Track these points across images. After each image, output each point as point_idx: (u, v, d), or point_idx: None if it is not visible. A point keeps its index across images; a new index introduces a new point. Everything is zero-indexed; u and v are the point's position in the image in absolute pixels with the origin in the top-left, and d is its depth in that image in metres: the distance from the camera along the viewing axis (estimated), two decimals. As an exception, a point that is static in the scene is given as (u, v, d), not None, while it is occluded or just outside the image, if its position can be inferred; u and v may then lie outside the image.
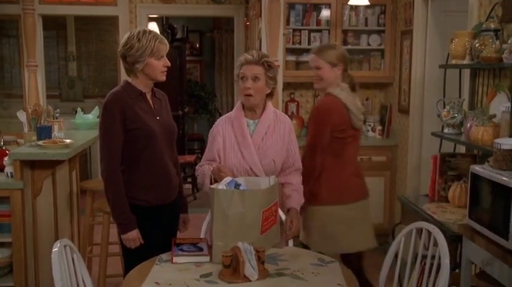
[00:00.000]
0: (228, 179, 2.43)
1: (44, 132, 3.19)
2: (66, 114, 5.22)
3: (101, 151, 2.34)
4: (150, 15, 5.94)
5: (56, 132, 3.36)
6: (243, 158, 2.45)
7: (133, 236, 2.34)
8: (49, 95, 6.45)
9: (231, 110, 2.59)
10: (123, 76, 5.68)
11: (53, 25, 7.13)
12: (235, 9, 5.80)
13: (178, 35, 8.07)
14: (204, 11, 5.85)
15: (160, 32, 6.82)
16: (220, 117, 2.59)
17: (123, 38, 2.44)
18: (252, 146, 2.45)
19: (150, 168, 2.39)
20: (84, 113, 4.11)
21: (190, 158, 6.58)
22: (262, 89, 2.46)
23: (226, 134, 2.48)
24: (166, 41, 2.43)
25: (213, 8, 5.77)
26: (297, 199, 2.57)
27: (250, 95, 2.45)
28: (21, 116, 3.80)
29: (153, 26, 6.61)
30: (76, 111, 7.46)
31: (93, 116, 4.05)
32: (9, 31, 7.67)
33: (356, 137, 2.82)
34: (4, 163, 3.03)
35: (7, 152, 3.22)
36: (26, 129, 3.79)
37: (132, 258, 2.30)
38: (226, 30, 8.66)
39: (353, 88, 2.80)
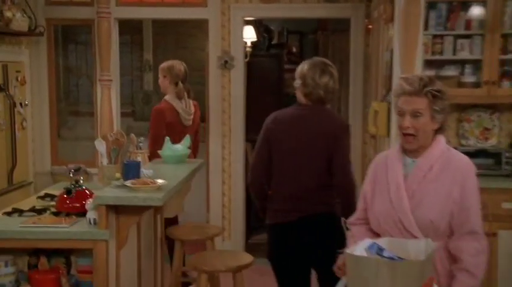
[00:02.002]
0: (367, 241, 2.40)
1: (132, 170, 3.27)
2: (140, 137, 5.38)
3: (348, 166, 3.19)
4: (246, 18, 6.03)
5: (143, 169, 3.44)
6: (391, 205, 2.43)
7: None
8: (121, 112, 6.72)
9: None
10: (213, 90, 5.86)
11: (127, 29, 7.42)
12: (353, 8, 5.73)
13: (275, 39, 8.16)
14: (313, 12, 5.84)
15: (257, 37, 7.01)
16: (378, 154, 2.66)
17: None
18: (403, 191, 2.42)
19: None
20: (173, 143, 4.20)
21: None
22: (425, 128, 2.42)
23: (379, 174, 2.52)
24: None
25: (324, 7, 5.75)
26: (466, 283, 2.38)
27: (409, 135, 2.42)
28: (100, 145, 3.95)
29: (249, 30, 6.69)
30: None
31: (183, 147, 4.13)
32: (78, 37, 8.14)
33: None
34: (86, 206, 3.14)
35: (87, 192, 3.36)
36: (104, 162, 3.94)
37: None
38: (334, 31, 8.57)
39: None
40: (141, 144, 4.02)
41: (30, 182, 5.61)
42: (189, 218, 6.27)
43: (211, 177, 6.04)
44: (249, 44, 6.71)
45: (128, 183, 3.16)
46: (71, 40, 8.01)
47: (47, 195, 3.75)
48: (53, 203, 3.49)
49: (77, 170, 3.44)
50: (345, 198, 3.14)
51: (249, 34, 6.67)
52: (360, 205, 2.64)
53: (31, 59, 5.77)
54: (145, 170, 3.45)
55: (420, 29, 4.08)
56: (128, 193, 3.07)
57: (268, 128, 3.25)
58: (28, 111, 5.58)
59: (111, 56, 5.82)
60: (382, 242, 2.36)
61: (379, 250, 2.33)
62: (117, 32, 6.02)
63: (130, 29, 7.64)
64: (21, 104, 5.31)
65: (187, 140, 4.18)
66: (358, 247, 2.37)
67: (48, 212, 3.35)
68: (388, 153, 2.59)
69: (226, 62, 5.87)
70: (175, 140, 4.26)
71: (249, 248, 5.98)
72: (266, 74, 7.28)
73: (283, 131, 3.21)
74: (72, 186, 3.34)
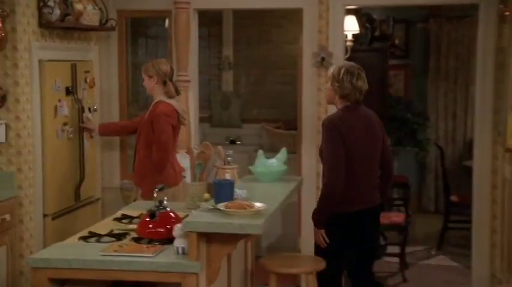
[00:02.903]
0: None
1: (225, 191, 3.27)
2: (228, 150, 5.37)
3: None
4: (348, 7, 5.96)
5: (236, 189, 3.42)
6: None
7: None
8: (197, 117, 6.73)
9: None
10: (306, 92, 5.79)
11: (205, 20, 7.43)
12: (483, -8, 5.55)
13: (377, 30, 8.05)
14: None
15: (360, 28, 6.91)
16: None
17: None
18: None
19: None
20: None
21: (396, 217, 6.41)
22: None
23: None
24: None
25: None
26: None
27: None
28: (183, 159, 4.00)
29: (351, 21, 6.61)
30: (231, 141, 7.80)
31: (278, 162, 4.10)
32: (148, 30, 8.31)
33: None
34: (173, 233, 3.14)
35: (172, 215, 3.37)
36: (188, 178, 3.98)
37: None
38: (449, 18, 8.41)
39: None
40: (229, 158, 4.02)
41: (98, 198, 5.73)
42: (277, 243, 6.24)
43: (303, 195, 5.95)
44: (349, 37, 6.61)
45: (221, 206, 3.15)
46: (140, 33, 8.15)
47: (124, 216, 3.80)
48: (133, 226, 3.55)
49: (161, 189, 3.44)
50: (389, 186, 4.33)
51: (350, 25, 6.58)
52: None
53: (100, 56, 5.89)
54: (239, 191, 3.44)
55: None
56: (222, 219, 3.07)
57: (342, 132, 3.89)
58: (97, 116, 5.69)
59: (190, 53, 5.83)
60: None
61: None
62: (196, 25, 6.04)
63: (207, 21, 7.59)
64: (89, 109, 5.42)
65: (283, 154, 4.14)
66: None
67: (128, 237, 3.39)
68: None
69: (323, 59, 5.77)
70: (175, 147, 4.68)
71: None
72: (368, 72, 7.08)
73: (353, 131, 3.93)
74: (156, 208, 3.36)
